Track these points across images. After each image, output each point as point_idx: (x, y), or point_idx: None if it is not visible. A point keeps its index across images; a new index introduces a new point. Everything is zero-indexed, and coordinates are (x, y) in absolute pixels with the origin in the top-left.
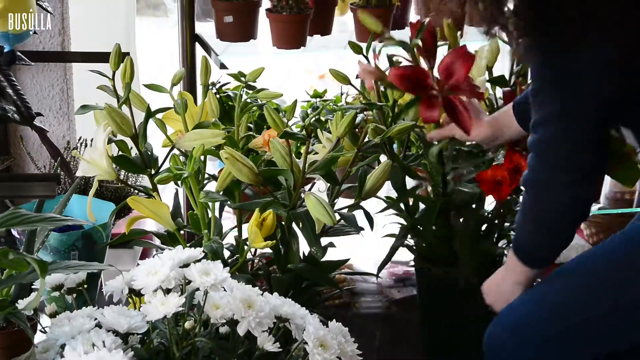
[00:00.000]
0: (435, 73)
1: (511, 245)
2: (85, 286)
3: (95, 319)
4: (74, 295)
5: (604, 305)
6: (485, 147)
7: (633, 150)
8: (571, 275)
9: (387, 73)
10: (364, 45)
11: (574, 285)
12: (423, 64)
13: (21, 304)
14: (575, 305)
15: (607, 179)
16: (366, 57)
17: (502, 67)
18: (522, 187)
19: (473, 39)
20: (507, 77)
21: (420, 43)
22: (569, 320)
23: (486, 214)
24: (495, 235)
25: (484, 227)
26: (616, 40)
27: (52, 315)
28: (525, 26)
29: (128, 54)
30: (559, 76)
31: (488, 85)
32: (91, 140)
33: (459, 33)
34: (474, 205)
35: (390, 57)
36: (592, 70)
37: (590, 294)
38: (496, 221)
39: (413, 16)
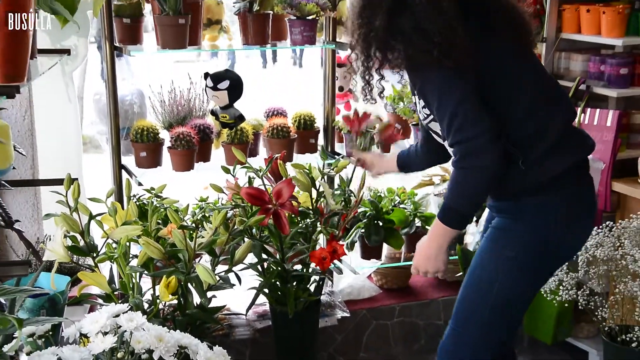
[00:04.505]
0: None
1: (437, 216)
2: (50, 333)
3: (57, 355)
4: (43, 339)
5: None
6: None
7: (399, 226)
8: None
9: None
10: (231, 167)
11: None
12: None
13: (6, 348)
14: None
15: (385, 246)
16: (233, 176)
17: None
18: (455, 169)
19: None
20: None
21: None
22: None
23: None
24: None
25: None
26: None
27: (28, 354)
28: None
29: (77, 179)
30: (458, 106)
31: None
32: (52, 236)
33: None
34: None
35: (249, 178)
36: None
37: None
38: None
39: (262, 148)
